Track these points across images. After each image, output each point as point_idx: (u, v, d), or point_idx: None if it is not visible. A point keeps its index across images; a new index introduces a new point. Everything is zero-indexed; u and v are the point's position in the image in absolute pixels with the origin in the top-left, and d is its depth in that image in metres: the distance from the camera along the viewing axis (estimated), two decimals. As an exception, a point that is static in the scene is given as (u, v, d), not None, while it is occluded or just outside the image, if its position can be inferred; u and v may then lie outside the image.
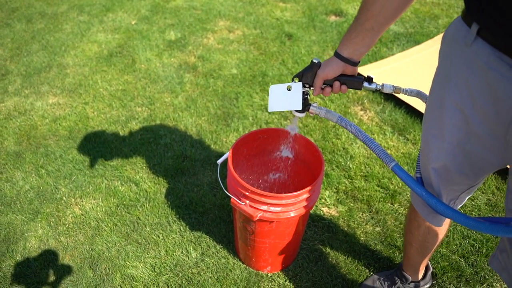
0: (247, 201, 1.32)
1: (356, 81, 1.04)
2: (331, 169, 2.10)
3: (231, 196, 1.37)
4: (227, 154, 1.43)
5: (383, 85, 1.08)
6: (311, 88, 1.08)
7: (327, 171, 2.09)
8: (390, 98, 2.54)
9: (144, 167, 2.15)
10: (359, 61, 1.03)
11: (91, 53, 3.13)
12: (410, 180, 0.96)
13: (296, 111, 1.12)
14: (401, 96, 2.49)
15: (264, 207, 1.31)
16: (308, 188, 1.30)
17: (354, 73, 1.05)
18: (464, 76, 0.87)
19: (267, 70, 2.84)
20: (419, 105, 2.42)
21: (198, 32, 3.34)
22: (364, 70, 2.74)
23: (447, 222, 1.27)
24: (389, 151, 2.20)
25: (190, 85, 2.74)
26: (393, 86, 1.09)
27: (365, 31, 0.95)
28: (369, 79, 1.06)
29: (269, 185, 1.76)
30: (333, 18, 3.51)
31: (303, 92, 1.09)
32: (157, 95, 2.66)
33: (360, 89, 1.06)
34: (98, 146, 2.29)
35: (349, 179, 2.05)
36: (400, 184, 2.03)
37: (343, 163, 2.13)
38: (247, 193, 1.30)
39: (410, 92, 1.13)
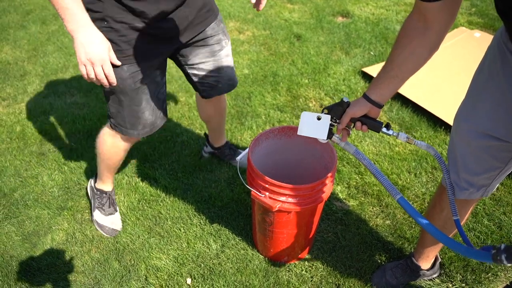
0: (267, 193, 1.42)
1: (377, 125, 1.19)
2: (342, 165, 2.20)
3: (251, 189, 1.46)
4: (246, 151, 1.52)
5: (398, 133, 1.21)
6: (337, 121, 1.22)
7: (339, 167, 2.18)
8: (397, 97, 2.63)
9: (163, 164, 2.25)
10: (383, 105, 1.17)
11: (106, 54, 3.22)
12: (414, 211, 1.13)
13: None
14: (408, 95, 2.58)
15: (283, 198, 1.41)
16: (323, 179, 1.41)
17: (376, 115, 1.19)
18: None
19: (278, 70, 2.94)
20: (426, 104, 2.51)
21: (209, 33, 3.43)
22: (372, 69, 2.83)
23: (466, 210, 1.37)
24: (396, 149, 2.29)
25: (203, 85, 2.83)
26: (407, 136, 1.21)
27: (390, 78, 1.10)
28: (388, 126, 1.20)
29: (286, 179, 1.85)
30: (340, 19, 3.60)
31: (330, 123, 1.23)
32: (172, 95, 2.75)
33: (379, 132, 1.21)
34: (118, 144, 2.39)
35: (359, 175, 2.14)
36: (408, 180, 2.12)
37: (353, 160, 2.22)
38: (266, 186, 1.40)
39: (420, 145, 1.24)
